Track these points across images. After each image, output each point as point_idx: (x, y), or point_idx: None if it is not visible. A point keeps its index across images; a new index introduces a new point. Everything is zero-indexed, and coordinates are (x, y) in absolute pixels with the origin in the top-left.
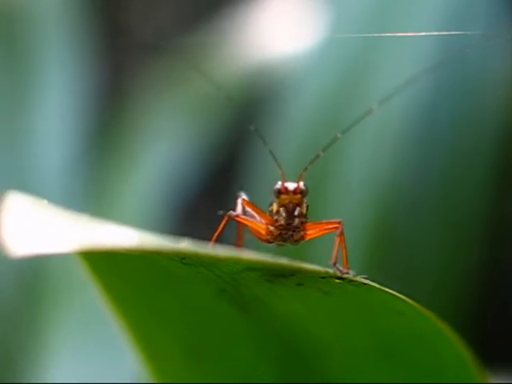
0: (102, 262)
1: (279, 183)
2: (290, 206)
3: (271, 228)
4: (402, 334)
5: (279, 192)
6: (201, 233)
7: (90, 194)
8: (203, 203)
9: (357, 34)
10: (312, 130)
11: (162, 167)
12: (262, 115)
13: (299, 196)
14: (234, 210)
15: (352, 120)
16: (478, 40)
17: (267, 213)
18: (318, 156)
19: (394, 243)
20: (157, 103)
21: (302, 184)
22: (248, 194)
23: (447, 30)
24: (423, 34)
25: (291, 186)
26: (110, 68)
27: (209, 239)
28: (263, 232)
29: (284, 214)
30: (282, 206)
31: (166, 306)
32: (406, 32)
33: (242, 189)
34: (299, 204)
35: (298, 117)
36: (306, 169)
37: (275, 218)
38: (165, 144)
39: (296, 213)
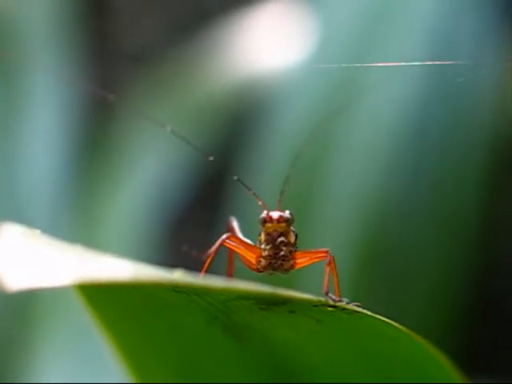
0: (94, 290)
1: (264, 212)
2: (275, 234)
3: (260, 258)
4: (393, 359)
5: (264, 221)
6: (190, 243)
7: (78, 205)
8: (192, 215)
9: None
10: (301, 142)
11: (150, 179)
12: (250, 127)
13: (284, 224)
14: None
15: (340, 133)
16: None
17: (257, 243)
18: (288, 177)
19: (384, 256)
20: (144, 115)
21: (286, 213)
22: (238, 209)
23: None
24: (413, 64)
25: (275, 214)
26: (98, 80)
27: (197, 252)
28: (253, 261)
29: (270, 243)
30: (268, 234)
31: (158, 333)
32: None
33: (232, 214)
34: (285, 233)
35: (287, 129)
36: (282, 192)
37: (262, 247)
38: (153, 156)
39: (281, 241)
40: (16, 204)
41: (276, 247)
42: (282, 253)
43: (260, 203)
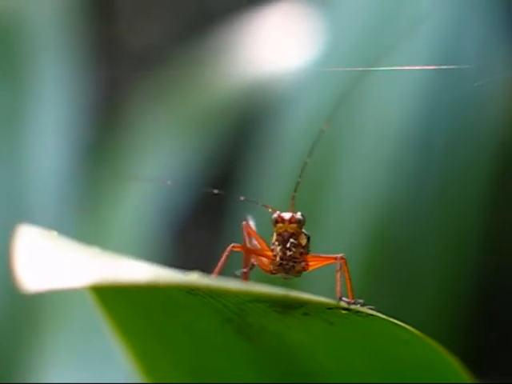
0: (109, 291)
1: (277, 213)
2: (286, 234)
3: (271, 259)
4: (407, 362)
5: (276, 221)
6: (196, 245)
7: (83, 208)
8: (197, 219)
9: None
10: (307, 145)
11: (155, 182)
12: (257, 129)
13: (295, 225)
14: (243, 236)
15: (347, 137)
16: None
17: (270, 244)
18: (298, 183)
19: (390, 260)
20: (150, 118)
21: (298, 214)
22: (244, 213)
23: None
24: (419, 67)
25: (287, 215)
26: (104, 82)
27: (204, 255)
28: (266, 263)
29: (280, 243)
30: (279, 234)
31: (172, 333)
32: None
33: (248, 213)
34: (295, 234)
35: (294, 131)
36: (294, 196)
37: (273, 247)
38: (158, 158)
39: (291, 242)
40: (21, 206)
41: (286, 248)
42: (292, 253)
43: (270, 210)
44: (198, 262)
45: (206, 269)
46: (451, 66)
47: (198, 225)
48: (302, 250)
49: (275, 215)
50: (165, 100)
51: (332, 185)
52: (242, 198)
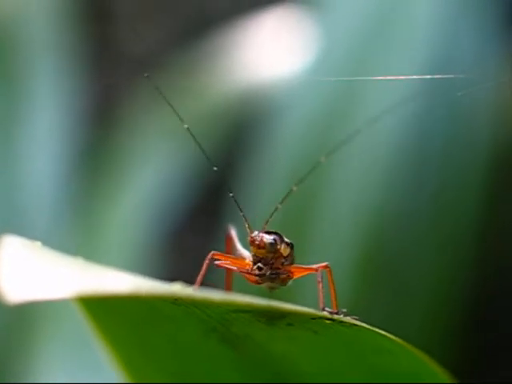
0: (94, 301)
1: (255, 233)
2: (256, 258)
3: (250, 272)
4: (390, 371)
5: (250, 242)
6: (191, 248)
7: (79, 211)
8: (193, 222)
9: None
10: (300, 152)
11: (151, 186)
12: (251, 135)
13: (263, 251)
14: (226, 247)
15: (338, 142)
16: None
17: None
18: (276, 209)
19: (383, 269)
20: (146, 123)
21: (270, 238)
22: (239, 217)
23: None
24: (413, 77)
25: (257, 239)
26: (99, 87)
27: (199, 259)
28: (244, 275)
29: (254, 262)
30: (254, 254)
31: (157, 343)
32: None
33: (230, 221)
34: (267, 257)
35: (287, 139)
36: (267, 222)
37: (251, 263)
38: (154, 163)
39: (262, 264)
40: (16, 211)
41: (257, 267)
42: (262, 272)
43: (246, 225)
44: (194, 265)
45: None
46: (445, 76)
47: (194, 228)
48: (283, 261)
49: (252, 235)
50: (160, 105)
51: (325, 191)
52: (230, 195)
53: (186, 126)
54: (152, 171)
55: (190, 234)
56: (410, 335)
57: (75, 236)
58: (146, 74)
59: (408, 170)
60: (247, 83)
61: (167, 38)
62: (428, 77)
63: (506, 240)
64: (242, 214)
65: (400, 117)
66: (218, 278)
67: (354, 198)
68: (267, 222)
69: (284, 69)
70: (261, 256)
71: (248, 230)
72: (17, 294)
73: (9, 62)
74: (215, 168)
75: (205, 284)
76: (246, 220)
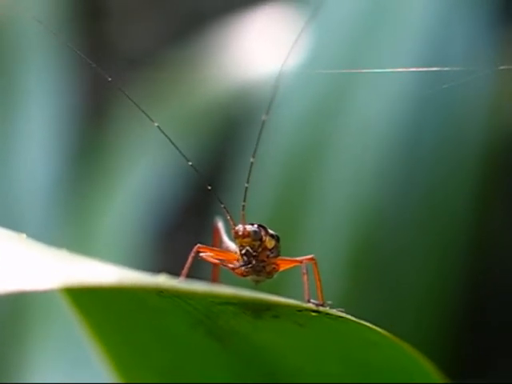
0: (80, 293)
1: (239, 225)
2: (241, 248)
3: (236, 264)
4: (376, 363)
5: (234, 234)
6: (183, 247)
7: (70, 211)
8: (184, 221)
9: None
10: (291, 150)
11: (142, 185)
12: (243, 131)
13: (249, 239)
14: (213, 240)
15: (331, 140)
16: (460, 74)
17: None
18: (246, 189)
19: (375, 266)
20: (139, 121)
21: (253, 226)
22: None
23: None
24: (406, 70)
25: (240, 229)
26: (92, 85)
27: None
28: (230, 267)
29: (240, 255)
30: (239, 245)
31: (143, 335)
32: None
33: (218, 214)
34: (252, 246)
35: (277, 137)
36: (243, 207)
37: (237, 255)
38: (146, 162)
39: (248, 253)
40: (8, 209)
41: (243, 257)
42: (251, 263)
43: (228, 217)
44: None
45: (193, 270)
46: (437, 68)
47: (186, 227)
48: (268, 253)
49: (235, 228)
50: (152, 102)
51: (317, 190)
52: (209, 188)
53: (156, 124)
54: (143, 170)
55: (182, 232)
56: (403, 333)
57: (66, 235)
58: (138, 73)
59: (401, 167)
60: (240, 80)
61: (160, 36)
62: (422, 69)
63: (499, 238)
64: (222, 205)
65: (393, 112)
66: (206, 274)
67: (346, 194)
68: (243, 207)
69: (276, 66)
70: (246, 245)
71: (231, 223)
72: (2, 286)
73: (0, 59)
74: (190, 163)
75: (191, 277)
76: (228, 212)
